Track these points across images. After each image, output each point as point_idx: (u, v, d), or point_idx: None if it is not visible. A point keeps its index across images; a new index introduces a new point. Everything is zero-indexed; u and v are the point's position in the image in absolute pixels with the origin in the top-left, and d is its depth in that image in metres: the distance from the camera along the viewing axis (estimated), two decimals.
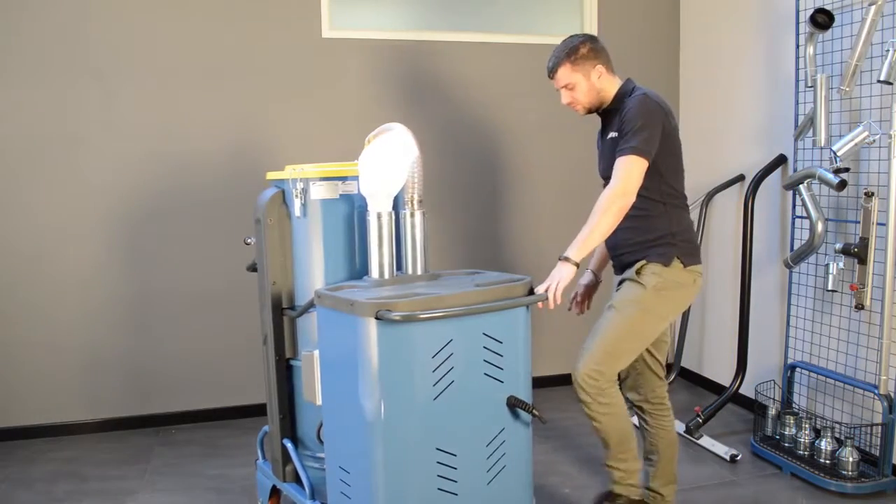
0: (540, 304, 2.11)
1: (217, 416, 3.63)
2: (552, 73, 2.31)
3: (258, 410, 3.38)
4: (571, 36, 2.32)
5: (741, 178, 3.70)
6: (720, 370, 3.93)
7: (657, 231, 2.25)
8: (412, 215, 2.13)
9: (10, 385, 3.42)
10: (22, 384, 3.43)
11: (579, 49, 2.27)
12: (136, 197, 3.48)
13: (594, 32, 4.02)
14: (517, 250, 3.98)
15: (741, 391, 3.48)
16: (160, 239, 3.53)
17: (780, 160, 3.40)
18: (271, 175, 2.33)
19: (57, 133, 3.37)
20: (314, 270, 2.24)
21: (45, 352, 3.44)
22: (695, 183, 4.09)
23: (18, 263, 3.39)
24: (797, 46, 3.13)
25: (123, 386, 3.55)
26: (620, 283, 2.33)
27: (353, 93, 3.70)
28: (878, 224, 2.76)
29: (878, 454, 2.77)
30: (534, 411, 2.02)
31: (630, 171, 2.13)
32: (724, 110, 3.85)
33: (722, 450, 3.13)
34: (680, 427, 3.41)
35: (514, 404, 2.02)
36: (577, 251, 2.13)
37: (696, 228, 3.84)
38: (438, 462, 1.90)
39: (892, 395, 2.74)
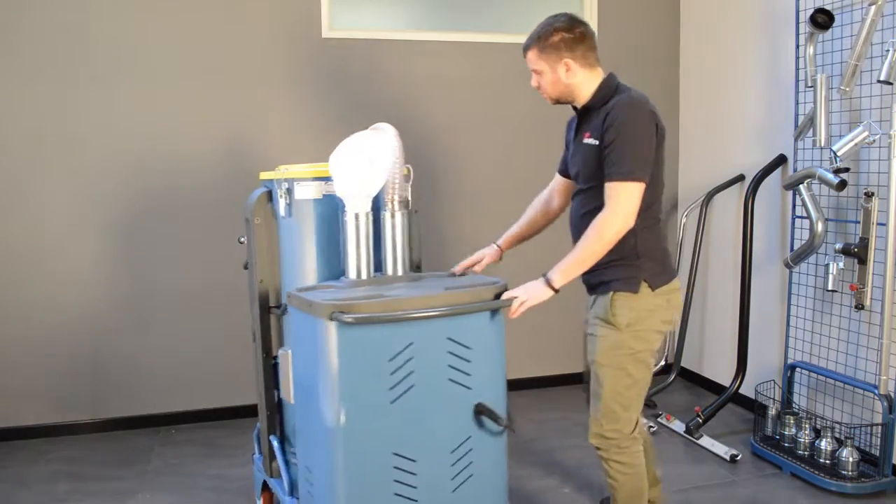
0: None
1: (217, 416, 3.63)
2: (524, 52, 2.13)
3: (257, 410, 3.38)
4: (554, 15, 2.10)
5: (741, 178, 3.70)
6: (720, 370, 3.93)
7: (621, 251, 2.03)
8: (392, 216, 2.11)
9: (10, 385, 3.42)
10: (22, 384, 3.43)
11: (550, 36, 2.05)
12: (136, 197, 3.48)
13: (594, 32, 4.02)
14: (521, 252, 3.97)
15: (741, 391, 3.48)
16: (160, 239, 3.53)
17: (780, 160, 3.40)
18: (263, 175, 2.35)
19: (56, 133, 3.37)
20: (299, 269, 2.25)
21: (45, 352, 3.44)
22: (695, 183, 4.11)
23: (18, 263, 3.39)
24: (797, 46, 3.13)
25: (123, 386, 3.55)
26: (593, 303, 2.17)
27: (353, 93, 3.70)
28: (878, 224, 2.76)
29: (878, 454, 2.77)
30: (502, 421, 1.94)
31: (628, 198, 1.94)
32: (724, 110, 3.85)
33: (722, 450, 3.13)
34: (680, 427, 3.42)
35: (480, 412, 1.95)
36: (560, 276, 1.97)
37: (696, 228, 3.85)
38: (396, 467, 1.86)
39: (892, 395, 2.74)
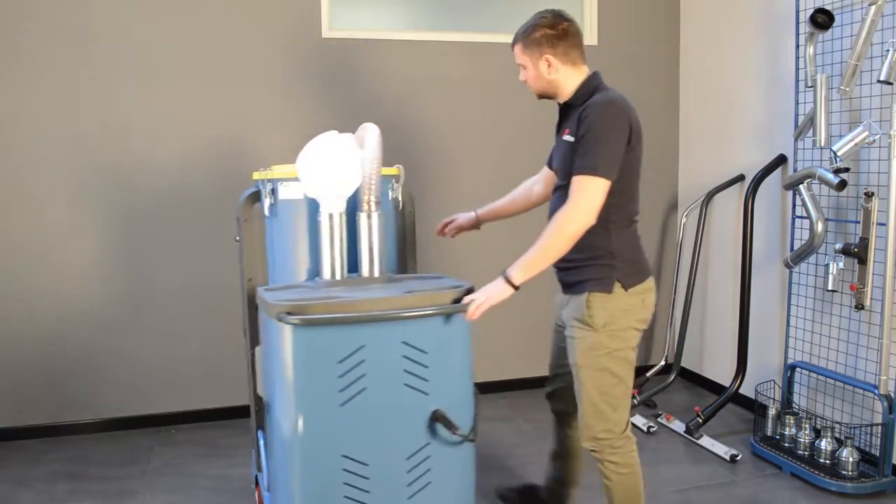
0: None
1: (217, 416, 3.63)
2: (511, 48, 2.17)
3: None
4: (541, 11, 2.12)
5: (741, 178, 3.70)
6: (720, 370, 3.93)
7: (595, 250, 2.04)
8: (369, 217, 2.10)
9: (10, 385, 3.42)
10: (22, 384, 3.43)
11: (534, 32, 2.07)
12: (137, 197, 3.48)
13: (594, 33, 4.03)
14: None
15: (741, 391, 3.48)
16: (160, 239, 3.53)
17: (780, 160, 3.40)
18: (254, 175, 2.36)
19: (56, 132, 3.37)
20: (283, 268, 2.26)
21: (45, 351, 3.44)
22: (695, 183, 4.11)
23: (18, 263, 3.39)
24: (797, 46, 3.13)
25: (123, 386, 3.55)
26: (567, 303, 2.17)
27: (353, 93, 3.70)
28: (878, 224, 2.76)
29: (878, 454, 2.77)
30: (456, 429, 1.89)
31: (588, 193, 1.93)
32: (724, 110, 3.85)
33: (722, 450, 3.13)
34: (680, 427, 3.42)
35: (436, 419, 1.90)
36: (520, 273, 1.94)
37: (696, 228, 3.86)
38: (346, 470, 1.85)
39: (892, 395, 2.74)
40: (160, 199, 3.51)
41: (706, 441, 3.24)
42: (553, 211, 2.16)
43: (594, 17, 4.03)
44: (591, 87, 2.08)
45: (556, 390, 2.40)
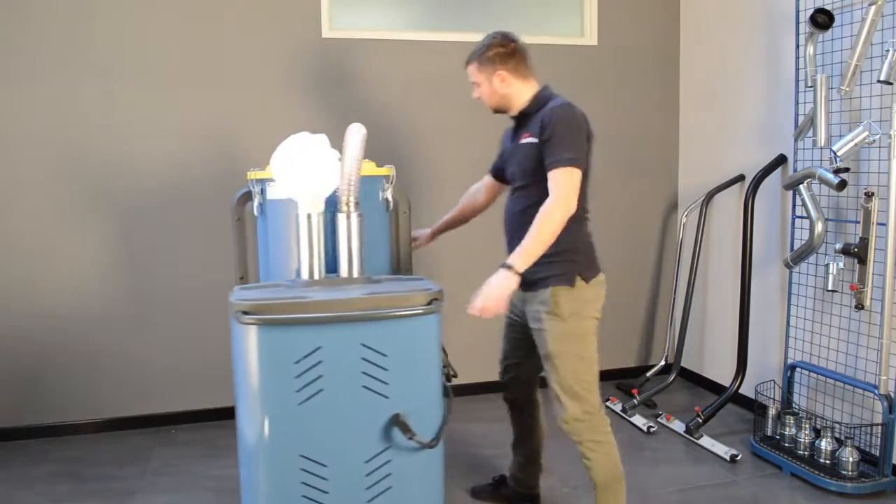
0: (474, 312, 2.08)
1: (217, 416, 3.63)
2: (465, 65, 2.34)
3: None
4: (492, 33, 2.30)
5: (741, 178, 3.70)
6: (720, 370, 3.93)
7: (559, 245, 2.13)
8: (348, 217, 2.10)
9: (10, 385, 3.42)
10: (22, 384, 3.43)
11: (487, 51, 2.27)
12: (137, 197, 3.48)
13: (594, 33, 4.03)
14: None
15: (741, 391, 3.48)
16: (160, 238, 3.53)
17: (780, 160, 3.40)
18: (249, 175, 2.38)
19: (57, 133, 3.37)
20: (272, 267, 2.28)
21: (46, 352, 3.44)
22: (695, 183, 4.11)
23: (18, 263, 3.39)
24: (797, 46, 3.13)
25: (123, 386, 3.55)
26: (531, 299, 2.29)
27: (353, 93, 3.70)
28: (878, 224, 2.76)
29: (878, 454, 2.77)
30: (412, 435, 1.88)
31: (570, 182, 2.09)
32: (724, 110, 3.85)
33: (722, 450, 3.13)
34: (680, 427, 3.42)
35: (394, 424, 1.89)
36: (521, 260, 2.06)
37: (696, 228, 3.86)
38: (304, 469, 1.86)
39: (892, 395, 2.74)
40: (161, 199, 3.51)
41: (706, 441, 3.24)
42: (511, 212, 2.34)
43: (594, 17, 4.04)
44: (545, 96, 2.28)
45: (512, 379, 2.58)
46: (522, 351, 2.47)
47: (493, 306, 2.04)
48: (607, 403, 3.81)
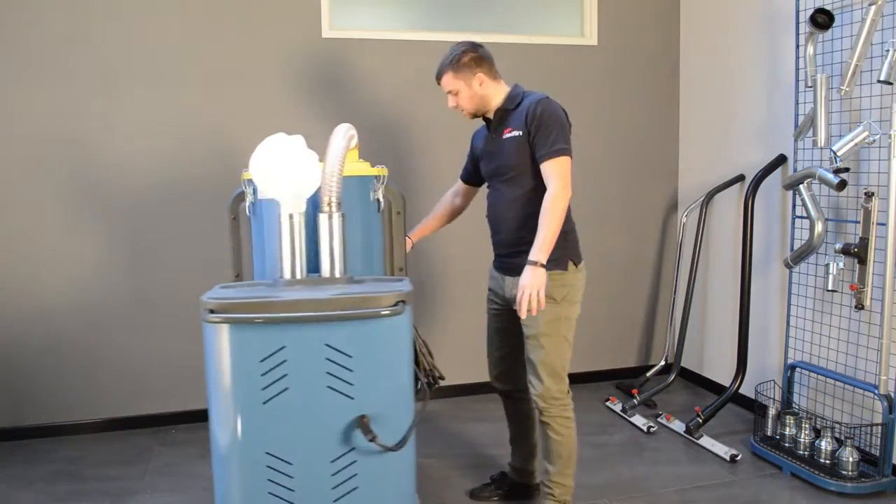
0: (523, 312, 2.23)
1: None
2: (438, 78, 2.44)
3: None
4: (458, 43, 2.42)
5: (741, 178, 3.70)
6: (720, 370, 3.93)
7: None
8: (330, 218, 2.10)
9: (10, 385, 3.42)
10: (22, 384, 3.43)
11: (461, 58, 2.37)
12: (137, 197, 3.48)
13: (594, 33, 4.03)
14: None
15: (741, 391, 3.48)
16: (160, 238, 3.53)
17: (780, 160, 3.40)
18: (243, 175, 2.40)
19: (58, 134, 3.37)
20: (265, 266, 2.30)
21: (45, 352, 3.44)
22: (695, 183, 4.11)
23: (18, 263, 3.39)
24: (797, 46, 3.13)
25: (123, 386, 3.55)
26: (515, 285, 2.36)
27: (353, 93, 3.70)
28: (878, 224, 2.76)
29: (878, 454, 2.77)
30: (371, 436, 1.87)
31: (565, 170, 2.29)
32: (724, 110, 3.85)
33: (722, 450, 3.13)
34: (680, 427, 3.42)
35: (358, 426, 1.88)
36: (543, 255, 2.23)
37: (696, 228, 3.86)
38: (269, 467, 1.88)
39: (892, 395, 2.74)
40: (161, 199, 3.51)
41: (706, 441, 3.24)
42: (501, 204, 2.45)
43: (594, 17, 4.04)
44: (519, 93, 2.42)
45: (504, 371, 2.66)
46: (513, 338, 2.55)
47: (534, 297, 2.21)
48: (607, 403, 3.82)
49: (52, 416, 3.48)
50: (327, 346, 1.86)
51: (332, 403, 1.88)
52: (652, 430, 3.41)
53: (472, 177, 2.72)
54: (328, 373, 1.87)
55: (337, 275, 2.11)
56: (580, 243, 2.50)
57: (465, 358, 4.02)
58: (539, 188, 2.31)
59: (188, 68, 3.49)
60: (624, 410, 3.64)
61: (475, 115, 2.47)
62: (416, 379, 2.33)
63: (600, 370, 4.21)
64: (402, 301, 1.90)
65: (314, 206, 2.20)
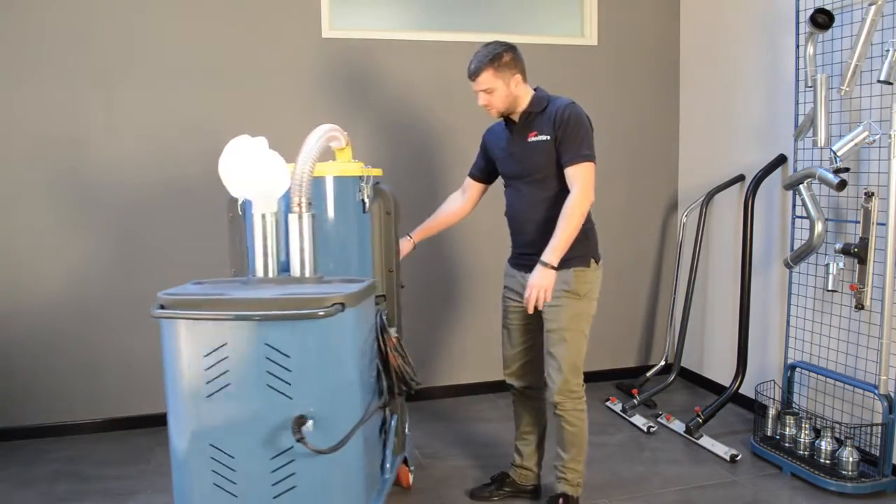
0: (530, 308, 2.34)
1: None
2: (475, 75, 2.41)
3: None
4: (494, 42, 2.44)
5: (741, 178, 3.70)
6: (720, 370, 3.93)
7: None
8: (300, 218, 2.13)
9: (10, 385, 3.42)
10: (22, 384, 3.43)
11: (503, 56, 2.39)
12: (137, 197, 3.48)
13: (594, 33, 4.04)
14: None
15: (741, 391, 3.48)
16: (160, 238, 3.53)
17: (780, 160, 3.40)
18: None
19: (58, 133, 3.37)
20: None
21: (45, 352, 3.44)
22: (695, 183, 4.11)
23: (18, 263, 3.39)
24: (797, 46, 3.13)
25: (123, 386, 3.55)
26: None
27: (353, 93, 3.70)
28: (878, 224, 2.76)
29: (878, 454, 2.77)
30: (297, 435, 1.87)
31: (590, 177, 2.36)
32: (724, 110, 3.85)
33: (722, 450, 3.13)
34: (680, 427, 3.42)
35: (294, 423, 1.89)
36: (555, 256, 2.31)
37: (696, 228, 3.86)
38: (213, 458, 1.94)
39: (892, 395, 2.74)
40: (160, 199, 3.51)
41: (706, 441, 3.24)
42: (526, 204, 2.49)
43: (594, 17, 4.04)
44: (544, 96, 2.47)
45: (522, 367, 2.68)
46: (532, 334, 2.61)
47: (541, 296, 2.32)
48: (607, 403, 3.82)
49: (52, 416, 3.48)
50: (266, 345, 1.89)
51: (271, 401, 1.91)
52: (652, 430, 3.41)
53: (485, 174, 2.74)
54: (268, 371, 1.90)
55: (307, 274, 2.15)
56: (597, 244, 2.56)
57: (466, 358, 4.02)
58: (563, 191, 2.38)
59: (188, 68, 3.49)
60: (624, 410, 3.64)
61: (502, 115, 2.49)
62: (397, 382, 2.38)
63: (600, 370, 4.21)
64: (341, 304, 1.91)
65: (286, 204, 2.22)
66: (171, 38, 3.46)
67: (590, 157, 2.36)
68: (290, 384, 1.90)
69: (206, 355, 1.91)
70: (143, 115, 3.46)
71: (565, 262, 2.38)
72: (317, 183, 2.36)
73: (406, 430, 2.86)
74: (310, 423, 1.90)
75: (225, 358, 1.90)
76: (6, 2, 3.27)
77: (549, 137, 2.39)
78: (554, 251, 2.31)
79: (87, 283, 3.46)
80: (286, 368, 1.89)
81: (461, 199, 2.82)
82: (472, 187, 2.79)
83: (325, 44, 3.65)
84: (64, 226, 3.42)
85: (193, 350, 1.92)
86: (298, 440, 1.86)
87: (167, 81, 3.47)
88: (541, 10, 4.05)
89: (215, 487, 1.95)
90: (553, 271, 2.31)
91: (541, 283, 2.31)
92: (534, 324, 2.57)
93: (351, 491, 2.06)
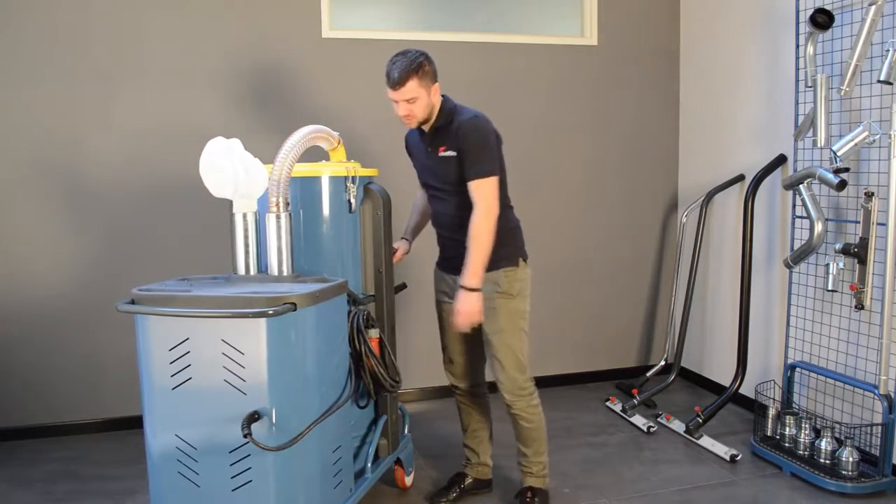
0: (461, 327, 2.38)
1: None
2: (400, 84, 2.35)
3: None
4: (412, 50, 2.39)
5: (741, 178, 3.70)
6: (720, 370, 3.93)
7: (500, 232, 2.38)
8: (277, 217, 2.18)
9: (10, 385, 3.42)
10: (22, 384, 3.43)
11: (424, 65, 2.37)
12: (136, 197, 3.48)
13: (594, 33, 4.04)
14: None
15: (741, 391, 3.48)
16: (160, 238, 3.53)
17: (780, 160, 3.40)
18: None
19: (57, 133, 3.37)
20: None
21: (45, 352, 3.44)
22: (695, 183, 4.11)
23: (18, 263, 3.39)
24: (797, 46, 3.13)
25: (123, 386, 3.54)
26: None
27: (353, 93, 3.70)
28: (878, 224, 2.76)
29: (878, 454, 2.77)
30: (248, 436, 1.91)
31: (490, 192, 2.35)
32: (724, 110, 3.85)
33: (722, 450, 3.13)
34: (680, 427, 3.42)
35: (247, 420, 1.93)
36: (474, 279, 2.33)
37: (696, 228, 3.86)
38: (177, 448, 2.04)
39: (892, 395, 2.74)
40: (160, 199, 3.51)
41: (706, 441, 3.24)
42: (447, 215, 2.51)
43: (594, 17, 4.04)
44: (450, 108, 2.46)
45: (465, 367, 2.70)
46: (470, 335, 2.59)
47: (469, 320, 2.36)
48: (607, 403, 3.82)
49: (52, 416, 3.48)
50: (223, 341, 1.96)
51: (228, 396, 1.98)
52: (652, 430, 3.41)
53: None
54: (224, 367, 1.97)
55: (285, 273, 2.22)
56: (523, 243, 2.58)
57: None
58: None
59: (188, 68, 3.48)
60: (624, 410, 3.64)
61: (421, 124, 2.47)
62: (371, 383, 2.42)
63: (600, 370, 4.21)
64: (292, 304, 1.96)
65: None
66: (171, 38, 3.46)
67: (489, 173, 2.35)
68: (244, 381, 1.97)
69: (170, 349, 2.00)
70: (143, 114, 3.45)
71: (493, 264, 2.39)
72: (304, 183, 2.41)
73: (406, 431, 2.86)
74: (265, 419, 1.96)
75: (187, 353, 1.99)
76: (6, 2, 3.27)
77: (455, 154, 2.39)
78: (472, 275, 2.32)
79: (87, 282, 3.46)
80: (241, 365, 1.96)
81: (425, 199, 2.81)
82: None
83: (325, 44, 3.65)
84: (64, 225, 3.42)
85: (160, 344, 2.01)
86: (245, 436, 1.91)
87: (166, 81, 3.47)
88: (540, 10, 4.05)
89: (180, 476, 2.05)
90: (476, 293, 2.33)
91: (468, 308, 2.33)
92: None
93: (309, 488, 2.12)
